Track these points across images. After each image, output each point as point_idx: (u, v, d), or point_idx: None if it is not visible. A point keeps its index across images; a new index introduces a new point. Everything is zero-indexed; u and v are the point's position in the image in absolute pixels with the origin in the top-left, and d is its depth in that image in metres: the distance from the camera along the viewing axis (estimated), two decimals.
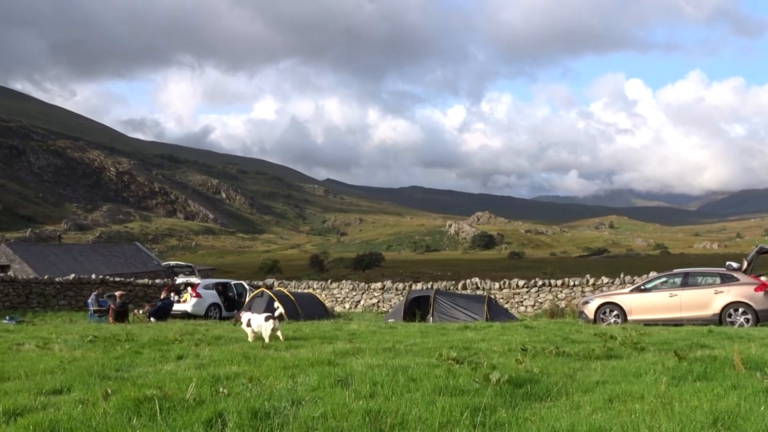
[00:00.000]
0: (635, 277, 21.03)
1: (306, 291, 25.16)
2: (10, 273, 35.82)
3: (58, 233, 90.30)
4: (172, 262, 26.34)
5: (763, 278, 15.29)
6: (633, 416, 4.69)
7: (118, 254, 59.40)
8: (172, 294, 22.19)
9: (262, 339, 10.09)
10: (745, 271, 15.32)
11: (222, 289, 23.34)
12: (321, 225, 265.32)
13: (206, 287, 22.53)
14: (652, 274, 18.43)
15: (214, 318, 21.10)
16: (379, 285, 26.30)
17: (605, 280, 22.15)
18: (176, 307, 21.25)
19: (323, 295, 25.69)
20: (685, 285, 15.43)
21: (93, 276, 28.44)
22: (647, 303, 15.50)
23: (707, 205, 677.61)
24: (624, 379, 6.19)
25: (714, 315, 14.68)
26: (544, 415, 4.77)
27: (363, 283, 27.62)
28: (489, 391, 5.44)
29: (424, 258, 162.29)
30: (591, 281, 22.38)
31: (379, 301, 25.70)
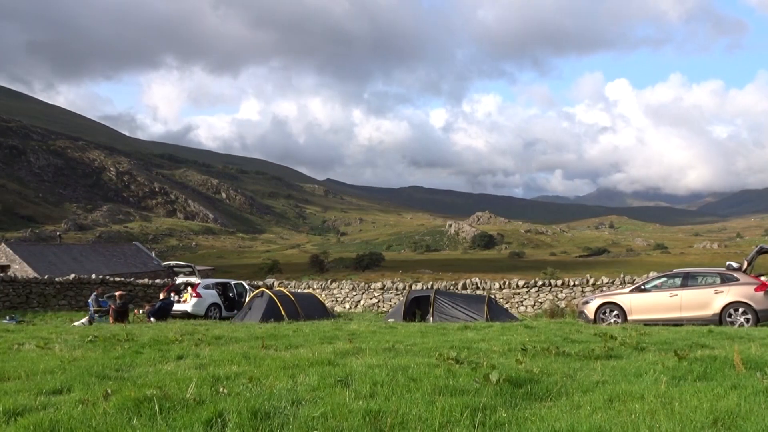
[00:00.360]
0: (635, 277, 21.04)
1: (306, 291, 25.16)
2: (10, 273, 35.83)
3: (58, 233, 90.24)
4: (172, 262, 26.34)
5: (763, 278, 15.28)
6: (633, 416, 4.69)
7: (118, 254, 59.42)
8: (172, 294, 22.20)
9: (262, 338, 10.09)
10: (745, 271, 15.32)
11: (222, 289, 23.34)
12: (321, 225, 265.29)
13: (206, 287, 22.53)
14: (652, 274, 18.44)
15: (214, 318, 21.10)
16: (379, 285, 26.30)
17: (605, 280, 22.15)
18: (176, 307, 21.25)
19: (323, 295, 25.69)
20: (685, 285, 15.43)
21: (93, 276, 28.44)
22: (647, 303, 15.50)
23: (707, 205, 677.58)
24: (624, 379, 6.19)
25: (714, 315, 14.68)
26: (544, 415, 4.77)
27: (363, 283, 27.62)
28: (489, 391, 5.44)
29: (424, 258, 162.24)
30: (591, 281, 22.38)
31: (379, 301, 25.70)
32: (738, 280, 14.98)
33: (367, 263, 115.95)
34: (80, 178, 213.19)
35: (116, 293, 20.62)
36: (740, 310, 14.61)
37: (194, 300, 21.59)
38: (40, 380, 6.47)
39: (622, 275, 21.95)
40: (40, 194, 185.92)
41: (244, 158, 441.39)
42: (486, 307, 17.53)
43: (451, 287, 24.74)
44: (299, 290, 25.18)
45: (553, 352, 7.86)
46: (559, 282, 23.15)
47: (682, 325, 13.91)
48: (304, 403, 5.15)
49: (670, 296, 15.31)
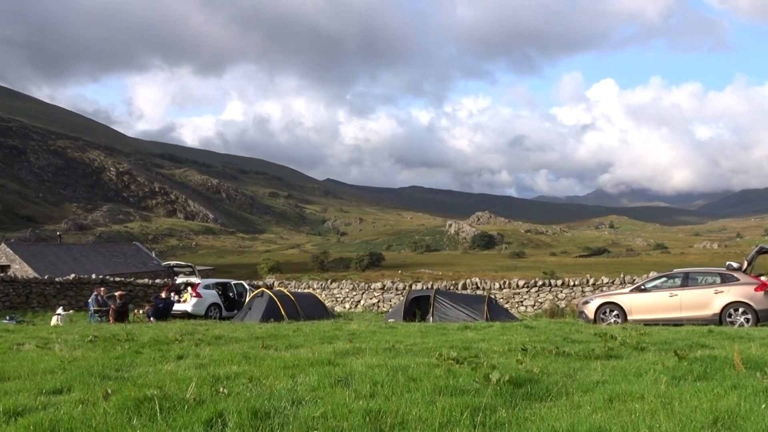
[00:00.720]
0: (635, 277, 21.04)
1: (306, 291, 25.17)
2: (11, 273, 35.83)
3: (58, 233, 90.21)
4: (172, 262, 26.35)
5: (763, 278, 15.28)
6: (633, 416, 4.69)
7: (118, 254, 59.42)
8: (172, 294, 22.20)
9: (262, 338, 10.09)
10: (745, 271, 15.31)
11: (222, 289, 23.34)
12: (321, 225, 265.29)
13: (206, 287, 22.54)
14: (652, 273, 18.44)
15: (214, 318, 21.11)
16: (379, 285, 26.30)
17: (605, 280, 22.15)
18: (176, 306, 21.26)
19: (323, 295, 25.70)
20: (685, 285, 15.43)
21: (93, 276, 28.44)
22: (647, 303, 15.50)
23: (707, 205, 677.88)
24: (624, 379, 6.19)
25: (714, 315, 14.68)
26: (544, 415, 4.77)
27: (363, 283, 27.62)
28: (489, 391, 5.44)
29: (424, 258, 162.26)
30: (591, 281, 22.38)
31: (379, 301, 25.70)
32: (738, 280, 14.98)
33: (367, 263, 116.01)
34: (80, 178, 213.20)
35: (116, 293, 20.63)
36: (740, 310, 14.61)
37: (194, 300, 21.59)
38: (40, 380, 6.47)
39: (622, 275, 21.95)
40: (40, 194, 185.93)
41: (244, 158, 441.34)
42: (486, 307, 17.53)
43: (451, 287, 24.74)
44: (299, 290, 25.19)
45: (553, 352, 7.86)
46: (559, 282, 23.16)
47: (682, 325, 13.90)
48: (304, 403, 5.15)
49: (670, 296, 15.31)
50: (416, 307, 18.39)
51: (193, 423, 4.52)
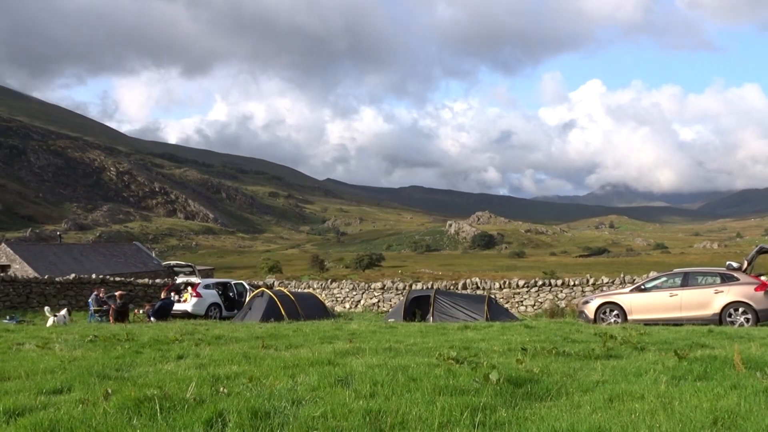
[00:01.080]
0: (635, 277, 21.03)
1: (306, 291, 25.16)
2: (11, 273, 35.83)
3: (58, 233, 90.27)
4: (173, 262, 26.36)
5: (763, 278, 15.28)
6: (633, 416, 4.69)
7: (118, 254, 59.40)
8: (172, 294, 22.20)
9: (262, 338, 10.09)
10: (745, 271, 15.31)
11: (222, 289, 23.34)
12: (321, 225, 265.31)
13: (206, 287, 22.55)
14: (652, 273, 18.44)
15: (215, 318, 21.10)
16: (379, 285, 26.30)
17: (605, 279, 22.15)
18: (176, 306, 21.25)
19: (323, 295, 25.70)
20: (685, 285, 15.42)
21: (93, 276, 28.44)
22: (647, 303, 15.50)
23: (707, 204, 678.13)
24: (624, 379, 6.19)
25: (714, 315, 14.68)
26: (544, 415, 4.77)
27: (363, 283, 27.62)
28: (489, 391, 5.44)
29: (424, 258, 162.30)
30: (591, 281, 22.38)
31: (379, 301, 25.70)
32: (738, 279, 14.98)
33: (367, 263, 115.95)
34: (80, 177, 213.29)
35: (116, 293, 20.63)
36: (740, 309, 14.61)
37: (194, 300, 21.59)
38: (41, 380, 6.47)
39: (622, 275, 21.94)
40: (41, 194, 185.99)
41: (244, 158, 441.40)
42: (486, 307, 17.52)
43: (451, 287, 24.73)
44: (299, 290, 25.19)
45: (553, 351, 7.85)
46: (559, 282, 23.15)
47: (682, 324, 13.90)
48: (304, 402, 5.15)
49: (670, 296, 15.31)
50: (416, 307, 18.38)
51: (193, 423, 4.52)
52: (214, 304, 22.11)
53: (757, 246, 16.42)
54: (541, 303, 22.79)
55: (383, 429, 4.43)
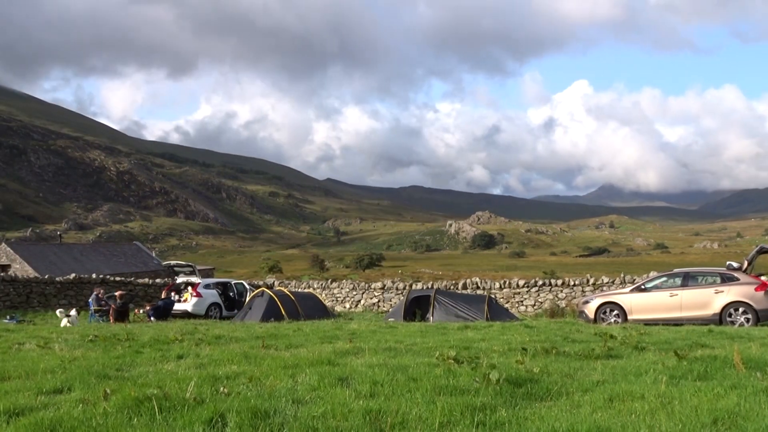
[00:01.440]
0: (635, 277, 21.03)
1: (306, 291, 25.16)
2: (11, 272, 35.85)
3: (58, 233, 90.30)
4: (173, 262, 26.37)
5: (763, 278, 15.29)
6: (633, 416, 4.69)
7: (118, 254, 59.39)
8: (172, 293, 22.20)
9: (262, 338, 10.09)
10: (745, 271, 15.31)
11: (222, 289, 23.35)
12: (321, 225, 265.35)
13: (207, 287, 22.56)
14: (653, 273, 18.44)
15: (215, 317, 21.11)
16: (379, 285, 26.30)
17: (605, 279, 22.15)
18: (177, 306, 21.26)
19: (324, 295, 25.70)
20: (685, 285, 15.43)
21: (93, 275, 28.45)
22: (647, 303, 15.50)
23: (707, 204, 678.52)
24: (624, 379, 6.19)
25: (714, 315, 14.68)
26: (544, 415, 4.77)
27: (363, 283, 27.63)
28: (489, 391, 5.44)
29: (424, 258, 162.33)
30: (591, 281, 22.37)
31: (379, 301, 25.71)
32: (738, 279, 14.98)
33: (367, 263, 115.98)
34: (81, 177, 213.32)
35: (116, 293, 20.64)
36: (740, 309, 14.61)
37: (195, 299, 21.60)
38: (41, 380, 6.47)
39: (622, 275, 21.94)
40: (41, 194, 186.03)
41: (244, 158, 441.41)
42: (486, 307, 17.52)
43: (452, 287, 24.72)
44: (300, 290, 25.18)
45: (554, 351, 7.85)
46: (560, 281, 23.15)
47: (682, 324, 13.90)
48: (304, 402, 5.15)
49: (671, 296, 15.31)
50: (416, 307, 18.39)
51: (193, 423, 4.52)
52: (215, 304, 22.11)
53: (757, 246, 16.42)
54: (542, 303, 22.79)
55: (383, 429, 4.43)
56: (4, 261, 48.10)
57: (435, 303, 17.83)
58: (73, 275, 27.78)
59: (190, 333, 11.70)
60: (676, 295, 15.23)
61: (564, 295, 22.50)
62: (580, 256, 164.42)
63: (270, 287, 24.13)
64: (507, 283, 24.09)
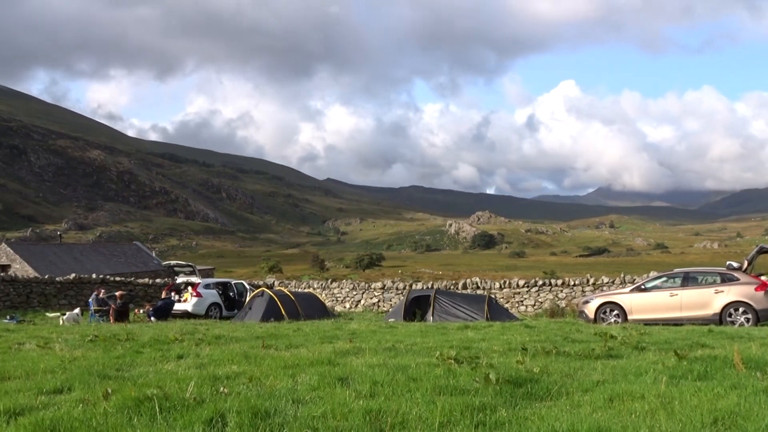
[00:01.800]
0: (635, 277, 21.02)
1: (306, 291, 25.16)
2: (11, 272, 35.85)
3: (58, 233, 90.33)
4: (173, 262, 26.39)
5: (763, 278, 15.29)
6: (633, 416, 4.69)
7: (118, 254, 59.38)
8: (172, 293, 22.21)
9: (262, 338, 10.09)
10: (745, 271, 15.32)
11: (222, 289, 23.35)
12: (321, 225, 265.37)
13: (207, 287, 22.56)
14: (653, 273, 18.43)
15: (215, 317, 21.11)
16: (379, 284, 26.30)
17: (605, 279, 22.15)
18: (177, 306, 21.27)
19: (324, 295, 25.69)
20: (685, 284, 15.43)
21: (93, 276, 28.45)
22: (647, 302, 15.50)
23: (707, 204, 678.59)
24: (624, 379, 6.19)
25: (714, 314, 14.68)
26: (544, 415, 4.77)
27: (363, 283, 27.63)
28: (489, 391, 5.44)
29: (424, 258, 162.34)
30: (591, 281, 22.37)
31: (379, 301, 25.70)
32: (738, 279, 14.98)
33: (367, 263, 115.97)
34: (81, 177, 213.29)
35: (116, 293, 20.65)
36: (740, 309, 14.61)
37: (195, 299, 21.60)
38: (41, 380, 6.47)
39: (622, 275, 21.94)
40: (41, 194, 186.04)
41: (243, 158, 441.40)
42: (486, 307, 17.52)
43: (452, 287, 24.72)
44: (300, 290, 25.19)
45: (554, 351, 7.85)
46: (560, 281, 23.15)
47: (682, 324, 13.90)
48: (304, 402, 5.15)
49: (671, 296, 15.31)
50: (416, 307, 18.39)
51: (193, 423, 4.52)
52: (215, 304, 22.11)
53: (757, 246, 16.43)
54: (542, 303, 22.79)
55: (383, 429, 4.43)
56: (4, 261, 48.10)
57: (435, 303, 17.83)
58: (73, 275, 27.78)
59: (190, 333, 11.71)
60: (676, 295, 15.24)
61: (564, 295, 22.50)
62: (580, 256, 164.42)
63: (270, 287, 24.13)
64: (507, 283, 24.09)
